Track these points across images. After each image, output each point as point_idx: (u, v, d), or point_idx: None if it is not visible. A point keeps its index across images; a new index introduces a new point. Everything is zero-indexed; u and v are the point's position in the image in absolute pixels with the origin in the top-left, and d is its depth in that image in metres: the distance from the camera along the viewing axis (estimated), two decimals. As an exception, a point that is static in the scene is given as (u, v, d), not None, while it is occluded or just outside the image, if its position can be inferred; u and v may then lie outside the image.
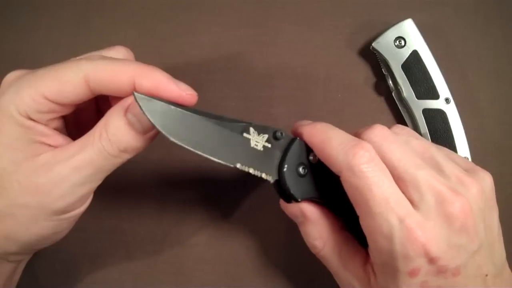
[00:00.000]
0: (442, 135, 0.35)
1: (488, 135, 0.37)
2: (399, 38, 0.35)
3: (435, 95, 0.35)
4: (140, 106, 0.23)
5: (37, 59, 0.26)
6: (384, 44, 0.35)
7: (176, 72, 0.38)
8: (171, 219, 0.37)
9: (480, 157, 0.36)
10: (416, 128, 0.36)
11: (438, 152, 0.26)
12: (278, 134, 0.26)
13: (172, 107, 0.24)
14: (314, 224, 0.27)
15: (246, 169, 0.25)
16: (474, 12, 0.38)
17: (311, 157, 0.27)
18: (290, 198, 0.27)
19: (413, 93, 0.35)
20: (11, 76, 0.26)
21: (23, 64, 0.27)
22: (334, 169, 0.25)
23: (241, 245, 0.37)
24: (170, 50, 0.38)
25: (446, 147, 0.35)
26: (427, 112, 0.35)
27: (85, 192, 0.26)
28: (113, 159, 0.25)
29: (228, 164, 0.25)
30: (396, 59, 0.35)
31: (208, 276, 0.37)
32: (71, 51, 0.39)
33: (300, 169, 0.26)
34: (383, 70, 0.36)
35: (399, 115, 0.37)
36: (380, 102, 0.38)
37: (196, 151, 0.24)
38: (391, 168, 0.24)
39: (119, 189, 0.37)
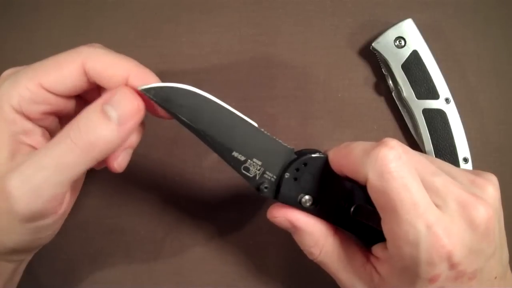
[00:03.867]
0: (442, 135, 0.35)
1: (488, 135, 0.37)
2: (399, 38, 0.35)
3: (435, 95, 0.35)
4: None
5: (37, 59, 0.26)
6: (384, 44, 0.35)
7: (176, 72, 0.38)
8: (171, 219, 0.37)
9: (480, 157, 0.36)
10: (416, 128, 0.36)
11: (442, 161, 0.26)
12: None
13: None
14: (308, 233, 0.27)
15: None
16: (474, 12, 0.38)
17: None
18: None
19: (413, 93, 0.35)
20: (8, 72, 0.26)
21: (23, 64, 0.27)
22: (360, 178, 0.24)
23: (241, 245, 0.37)
24: (170, 50, 0.38)
25: (446, 147, 0.35)
26: (427, 112, 0.35)
27: (49, 196, 0.23)
28: (80, 155, 0.23)
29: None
30: (396, 59, 0.35)
31: (208, 276, 0.37)
32: (71, 51, 0.39)
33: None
34: (383, 70, 0.36)
35: (399, 115, 0.37)
36: (380, 102, 0.38)
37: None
38: None
39: (119, 189, 0.37)
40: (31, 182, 0.23)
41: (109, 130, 0.23)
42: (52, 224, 0.25)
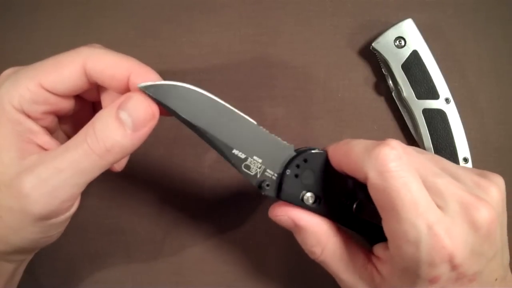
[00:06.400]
0: (442, 135, 0.35)
1: (488, 135, 0.37)
2: (399, 38, 0.35)
3: (435, 95, 0.35)
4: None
5: (37, 59, 0.26)
6: (384, 44, 0.35)
7: (176, 72, 0.38)
8: (171, 219, 0.37)
9: (480, 157, 0.36)
10: (416, 128, 0.36)
11: (448, 161, 0.26)
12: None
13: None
14: (311, 232, 0.26)
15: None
16: (474, 12, 0.38)
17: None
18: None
19: (413, 93, 0.35)
20: (8, 71, 0.26)
21: (23, 64, 0.27)
22: (360, 176, 0.24)
23: (240, 245, 0.37)
24: (170, 50, 0.38)
25: (446, 147, 0.35)
26: (427, 112, 0.35)
27: (66, 197, 0.24)
28: (97, 160, 0.24)
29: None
30: (396, 59, 0.35)
31: (208, 276, 0.37)
32: (71, 51, 0.39)
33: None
34: (383, 70, 0.36)
35: (399, 115, 0.37)
36: (380, 102, 0.38)
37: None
38: None
39: (119, 189, 0.37)
40: (48, 184, 0.23)
41: (124, 136, 0.24)
42: (63, 222, 0.26)
